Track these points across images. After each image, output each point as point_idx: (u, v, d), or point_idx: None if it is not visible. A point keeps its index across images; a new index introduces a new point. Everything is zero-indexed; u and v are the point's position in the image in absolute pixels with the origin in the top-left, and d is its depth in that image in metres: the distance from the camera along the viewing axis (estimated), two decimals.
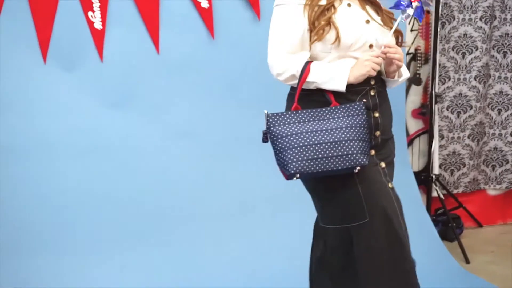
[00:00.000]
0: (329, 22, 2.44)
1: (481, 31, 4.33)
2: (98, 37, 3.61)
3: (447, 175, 4.56)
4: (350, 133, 2.38)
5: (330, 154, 2.37)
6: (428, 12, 4.17)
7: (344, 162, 2.38)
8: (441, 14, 4.27)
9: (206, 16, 3.71)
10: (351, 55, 2.49)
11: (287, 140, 2.38)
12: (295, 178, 2.40)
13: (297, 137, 2.38)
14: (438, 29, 4.23)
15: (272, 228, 3.74)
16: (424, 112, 4.42)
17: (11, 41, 3.50)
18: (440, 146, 4.48)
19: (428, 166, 4.43)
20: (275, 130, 2.41)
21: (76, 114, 3.64)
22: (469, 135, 4.51)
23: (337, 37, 2.44)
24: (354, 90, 2.49)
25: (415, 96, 4.43)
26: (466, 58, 4.38)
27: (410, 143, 4.45)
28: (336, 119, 2.41)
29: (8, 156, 3.52)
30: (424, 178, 4.43)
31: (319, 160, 2.37)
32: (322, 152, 2.36)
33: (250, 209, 3.79)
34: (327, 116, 2.42)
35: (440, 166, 4.50)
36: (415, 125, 4.48)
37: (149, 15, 3.65)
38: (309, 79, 2.45)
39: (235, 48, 3.75)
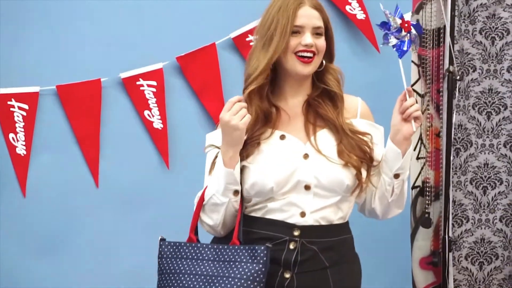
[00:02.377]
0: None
1: (506, 160, 4.28)
2: (21, 165, 3.67)
3: None
4: (229, 284, 2.36)
5: None
6: (437, 135, 4.14)
7: None
8: (455, 139, 4.22)
9: (160, 139, 3.77)
10: (282, 198, 2.47)
11: (167, 278, 2.45)
12: None
13: (171, 277, 2.44)
14: (452, 157, 4.14)
15: None
16: (436, 262, 4.23)
17: None
18: None
19: None
20: (159, 262, 2.50)
21: None
22: None
23: (252, 181, 2.46)
24: (266, 234, 2.46)
25: (424, 241, 4.25)
26: (489, 194, 4.29)
27: None
28: (230, 263, 2.40)
29: None
30: None
31: None
32: None
33: None
34: (217, 256, 2.43)
35: None
36: (424, 278, 4.26)
37: (87, 138, 3.74)
38: (207, 195, 2.51)
39: (196, 180, 3.52)
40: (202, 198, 2.52)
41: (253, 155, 2.46)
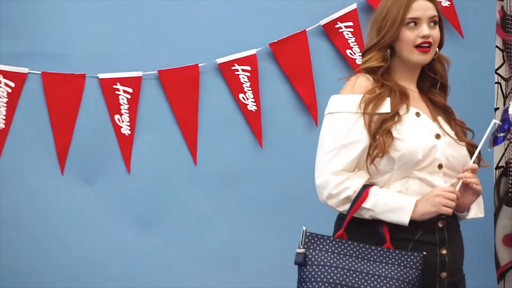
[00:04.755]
0: (391, 133, 2.44)
1: None
2: (126, 144, 3.71)
3: None
4: (393, 286, 2.34)
5: None
6: None
7: None
8: None
9: (254, 120, 3.79)
10: (417, 176, 2.47)
11: (316, 269, 2.36)
12: None
13: (328, 271, 2.35)
14: None
15: None
16: None
17: (25, 148, 3.63)
18: None
19: None
20: (307, 253, 2.40)
21: (98, 235, 3.70)
22: None
23: (403, 151, 2.43)
24: (418, 221, 2.43)
25: (507, 219, 4.31)
26: None
27: (501, 277, 4.30)
28: (384, 264, 2.37)
29: (15, 282, 3.60)
30: None
31: None
32: None
33: None
34: (374, 257, 2.39)
35: None
36: (507, 255, 4.34)
37: (186, 119, 3.75)
38: (365, 205, 2.42)
39: (288, 159, 3.79)
40: (362, 200, 2.43)
41: (398, 127, 2.45)
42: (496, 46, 3.98)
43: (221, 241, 3.76)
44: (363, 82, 2.53)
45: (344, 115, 2.48)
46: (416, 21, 2.51)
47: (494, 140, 2.54)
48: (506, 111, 2.56)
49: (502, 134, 2.53)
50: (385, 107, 2.46)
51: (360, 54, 3.65)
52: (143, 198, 3.72)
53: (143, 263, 3.70)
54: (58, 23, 3.62)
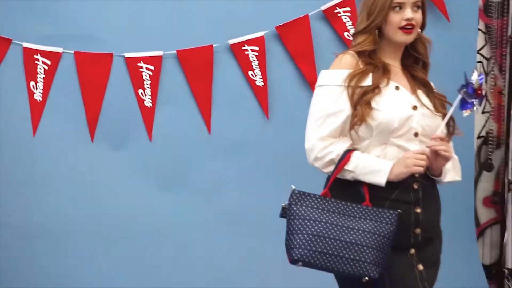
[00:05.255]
0: (370, 104, 2.57)
1: None
2: (148, 115, 3.90)
3: None
4: (370, 239, 2.47)
5: (340, 254, 2.45)
6: (500, 92, 4.22)
7: (353, 267, 2.46)
8: None
9: (261, 94, 3.96)
10: (394, 143, 2.60)
11: (302, 223, 2.48)
12: (299, 265, 2.48)
13: (313, 224, 2.48)
14: None
15: None
16: (496, 201, 4.35)
17: (60, 119, 3.86)
18: None
19: (500, 259, 4.25)
20: (295, 208, 2.51)
21: (123, 196, 3.91)
22: None
23: (380, 120, 2.57)
24: (394, 182, 2.58)
25: (487, 183, 4.35)
26: None
27: (481, 233, 4.35)
28: (362, 219, 2.50)
29: (48, 238, 3.82)
30: (496, 272, 4.20)
31: (327, 256, 2.45)
32: (333, 249, 2.45)
33: None
34: (354, 213, 2.51)
35: None
36: (486, 214, 4.36)
37: (201, 93, 3.93)
38: (347, 167, 2.56)
39: (291, 129, 3.90)
40: (344, 163, 2.55)
41: (377, 99, 2.57)
42: (479, 29, 4.06)
43: (231, 201, 3.94)
44: (349, 59, 2.65)
45: (330, 87, 2.61)
46: (401, 5, 2.61)
47: (462, 104, 2.58)
48: (466, 77, 2.63)
49: (470, 100, 2.58)
50: (367, 81, 2.59)
51: None
52: (163, 163, 3.92)
53: (163, 221, 3.91)
54: (89, 9, 3.86)
